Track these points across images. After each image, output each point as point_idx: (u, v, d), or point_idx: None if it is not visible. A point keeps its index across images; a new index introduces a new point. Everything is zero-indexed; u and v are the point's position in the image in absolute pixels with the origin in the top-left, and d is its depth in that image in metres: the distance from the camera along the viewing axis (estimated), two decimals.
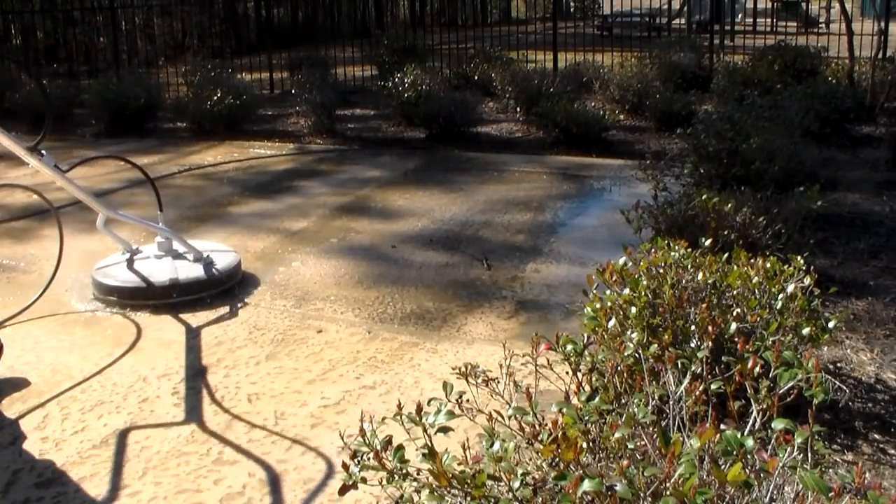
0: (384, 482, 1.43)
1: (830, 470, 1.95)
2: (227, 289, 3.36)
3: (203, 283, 3.30)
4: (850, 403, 2.36)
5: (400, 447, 1.43)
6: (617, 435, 1.37)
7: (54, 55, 12.57)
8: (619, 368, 1.73)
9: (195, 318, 3.10)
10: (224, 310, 3.17)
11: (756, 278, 2.19)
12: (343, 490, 1.45)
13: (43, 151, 3.07)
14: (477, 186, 5.09)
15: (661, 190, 3.48)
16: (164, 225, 3.56)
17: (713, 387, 1.61)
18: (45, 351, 2.85)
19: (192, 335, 2.95)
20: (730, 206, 3.09)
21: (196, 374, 2.64)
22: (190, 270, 3.35)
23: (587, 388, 1.81)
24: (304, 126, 7.46)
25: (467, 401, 1.55)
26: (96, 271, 3.42)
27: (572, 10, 21.64)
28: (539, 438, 1.40)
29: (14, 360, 2.75)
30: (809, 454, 1.34)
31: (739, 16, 18.53)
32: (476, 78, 8.86)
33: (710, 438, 1.30)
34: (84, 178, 5.58)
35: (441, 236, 4.10)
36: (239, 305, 3.21)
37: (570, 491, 1.22)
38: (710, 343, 1.83)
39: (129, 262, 3.44)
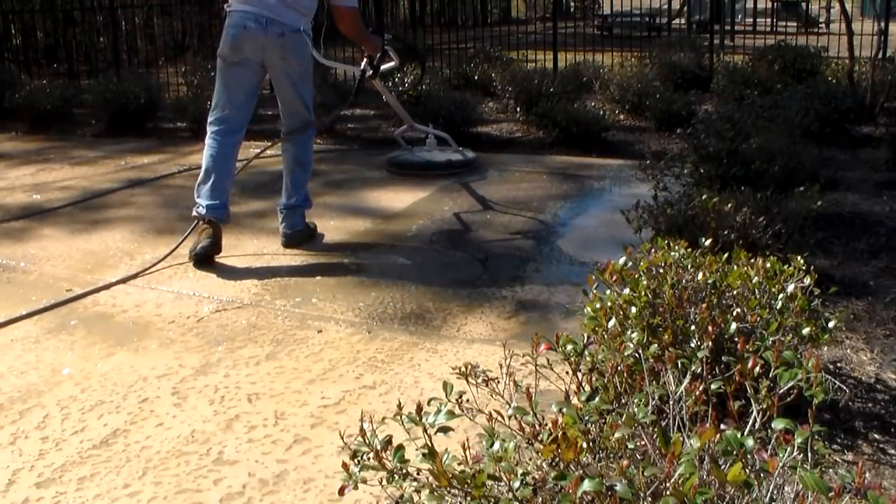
0: (384, 482, 1.43)
1: (830, 470, 1.95)
2: (475, 168, 5.50)
3: (462, 163, 5.48)
4: (850, 403, 2.36)
5: (400, 447, 1.43)
6: (617, 435, 1.37)
7: (54, 55, 12.57)
8: (619, 368, 1.73)
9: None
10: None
11: (756, 278, 2.19)
12: (343, 490, 1.45)
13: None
14: (477, 186, 5.09)
15: (661, 190, 3.48)
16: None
17: (713, 387, 1.61)
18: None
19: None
20: (730, 206, 3.09)
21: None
22: (454, 156, 5.53)
23: (587, 388, 1.81)
24: None
25: (467, 401, 1.55)
26: (391, 158, 5.56)
27: (572, 10, 21.64)
28: (539, 438, 1.40)
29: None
30: (809, 454, 1.34)
31: (739, 16, 18.53)
32: (476, 78, 8.84)
33: (710, 438, 1.30)
34: (85, 178, 5.59)
35: (441, 236, 4.10)
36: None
37: (570, 491, 1.23)
38: (710, 343, 1.83)
39: (412, 153, 5.61)
